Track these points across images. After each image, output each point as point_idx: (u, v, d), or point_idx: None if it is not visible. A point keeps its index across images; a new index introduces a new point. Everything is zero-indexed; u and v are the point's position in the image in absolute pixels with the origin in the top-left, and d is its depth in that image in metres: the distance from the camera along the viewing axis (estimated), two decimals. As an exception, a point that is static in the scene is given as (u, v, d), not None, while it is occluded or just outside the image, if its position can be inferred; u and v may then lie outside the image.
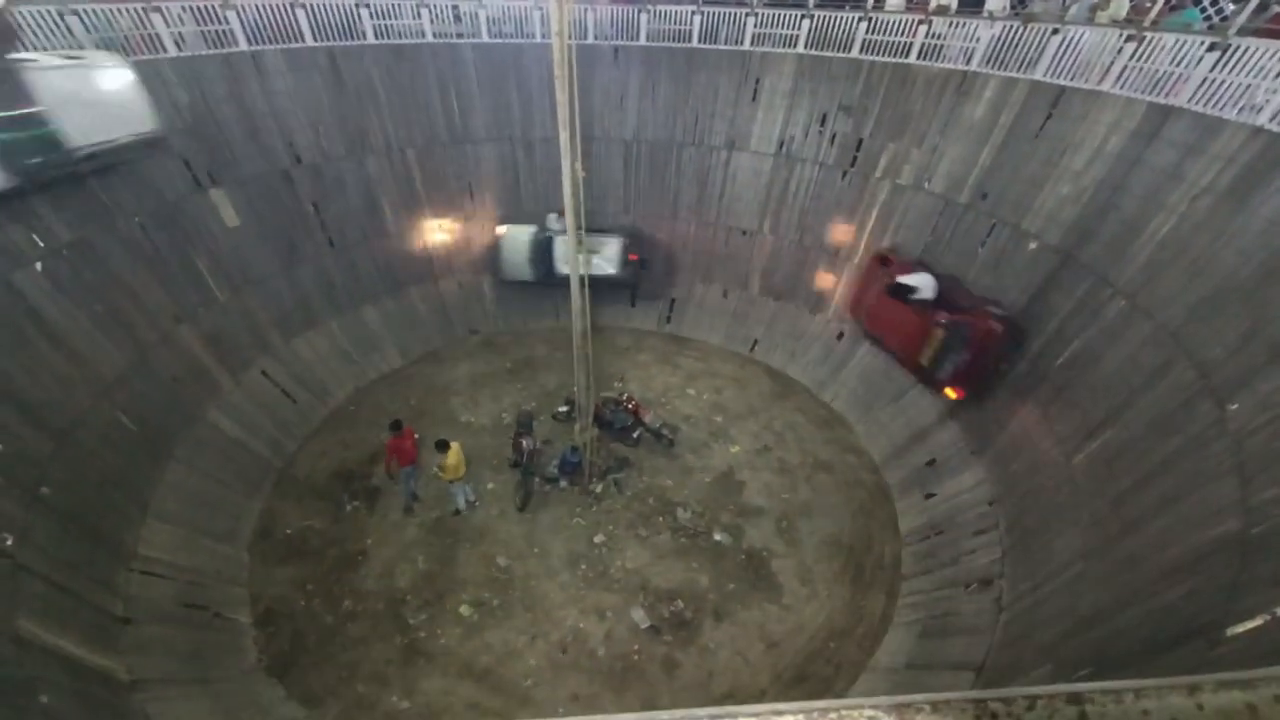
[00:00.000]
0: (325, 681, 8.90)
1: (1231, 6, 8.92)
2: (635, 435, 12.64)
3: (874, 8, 12.41)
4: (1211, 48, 8.45)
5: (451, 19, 13.49)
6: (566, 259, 14.71)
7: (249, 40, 11.30)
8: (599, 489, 11.78)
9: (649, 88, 14.57)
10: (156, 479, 9.73)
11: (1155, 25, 9.41)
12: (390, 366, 14.62)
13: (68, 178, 8.82)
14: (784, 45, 13.29)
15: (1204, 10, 9.29)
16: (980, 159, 11.65)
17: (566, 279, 14.88)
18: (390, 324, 14.90)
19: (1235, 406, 7.02)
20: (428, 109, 14.12)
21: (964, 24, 11.41)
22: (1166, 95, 9.02)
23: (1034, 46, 10.59)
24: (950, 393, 11.37)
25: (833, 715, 0.93)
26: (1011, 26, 10.79)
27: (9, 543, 7.10)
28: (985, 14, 11.30)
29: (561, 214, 14.81)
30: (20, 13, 8.72)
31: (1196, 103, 8.58)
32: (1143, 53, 9.27)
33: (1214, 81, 8.39)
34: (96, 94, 8.64)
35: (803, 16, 12.81)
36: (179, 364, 10.72)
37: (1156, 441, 7.81)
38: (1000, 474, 10.46)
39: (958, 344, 10.76)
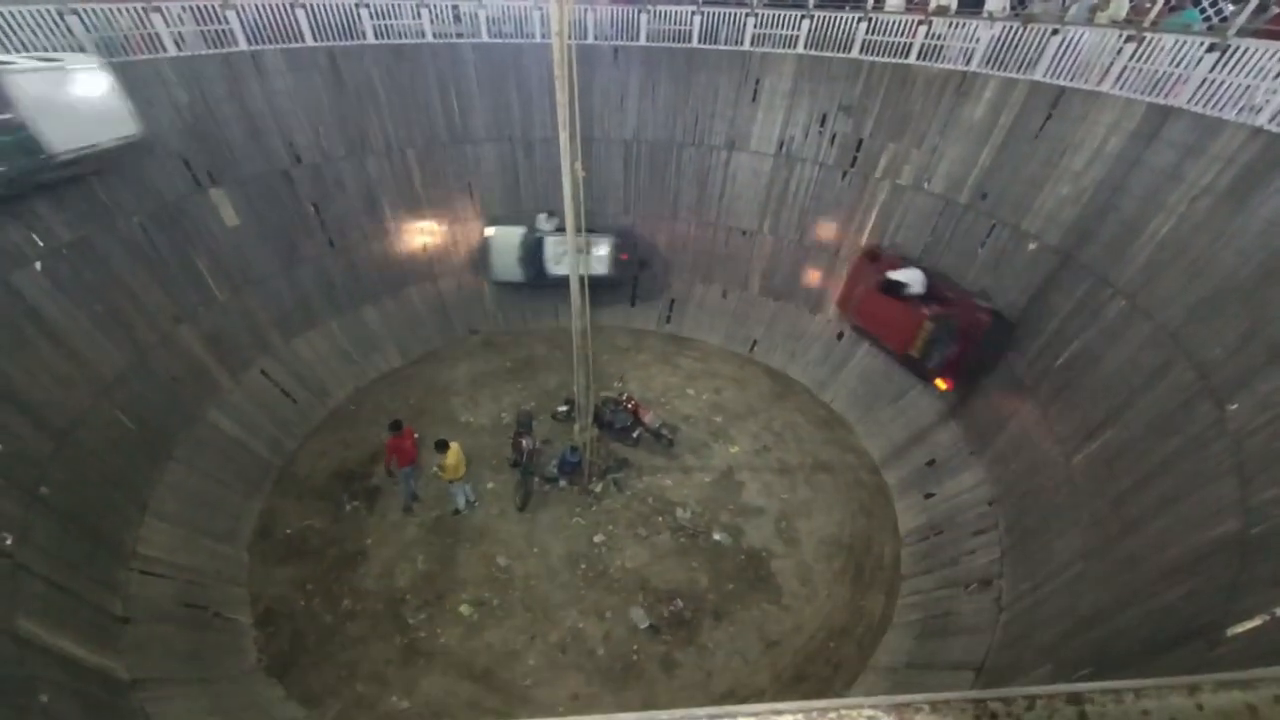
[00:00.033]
0: (325, 681, 8.90)
1: (1231, 7, 8.93)
2: (635, 435, 12.64)
3: (874, 8, 12.41)
4: (1211, 48, 8.45)
5: (451, 19, 13.49)
6: (557, 259, 14.77)
7: (249, 40, 11.30)
8: (599, 489, 11.78)
9: (649, 88, 14.57)
10: (156, 479, 9.73)
11: (1155, 26, 9.41)
12: (390, 366, 14.62)
13: (48, 185, 8.68)
14: (784, 45, 13.29)
15: (1203, 11, 9.29)
16: (980, 159, 11.66)
17: (558, 279, 15.05)
18: (390, 324, 14.90)
19: (1235, 407, 7.02)
20: (428, 109, 14.12)
21: (964, 24, 11.41)
22: (1166, 96, 9.02)
23: (1034, 47, 10.60)
24: (940, 383, 11.68)
25: (832, 715, 0.93)
26: (1011, 27, 10.79)
27: (9, 542, 7.10)
28: (985, 15, 11.30)
29: (552, 214, 14.96)
30: (20, 12, 8.71)
31: (1196, 103, 8.58)
32: (1142, 53, 9.28)
33: (1213, 82, 8.40)
34: (75, 97, 8.50)
35: (803, 17, 12.81)
36: (179, 364, 10.72)
37: (1156, 442, 7.81)
38: (1000, 474, 10.46)
39: (946, 336, 10.99)
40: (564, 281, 15.01)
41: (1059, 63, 10.32)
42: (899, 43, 12.18)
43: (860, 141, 13.38)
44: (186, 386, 10.77)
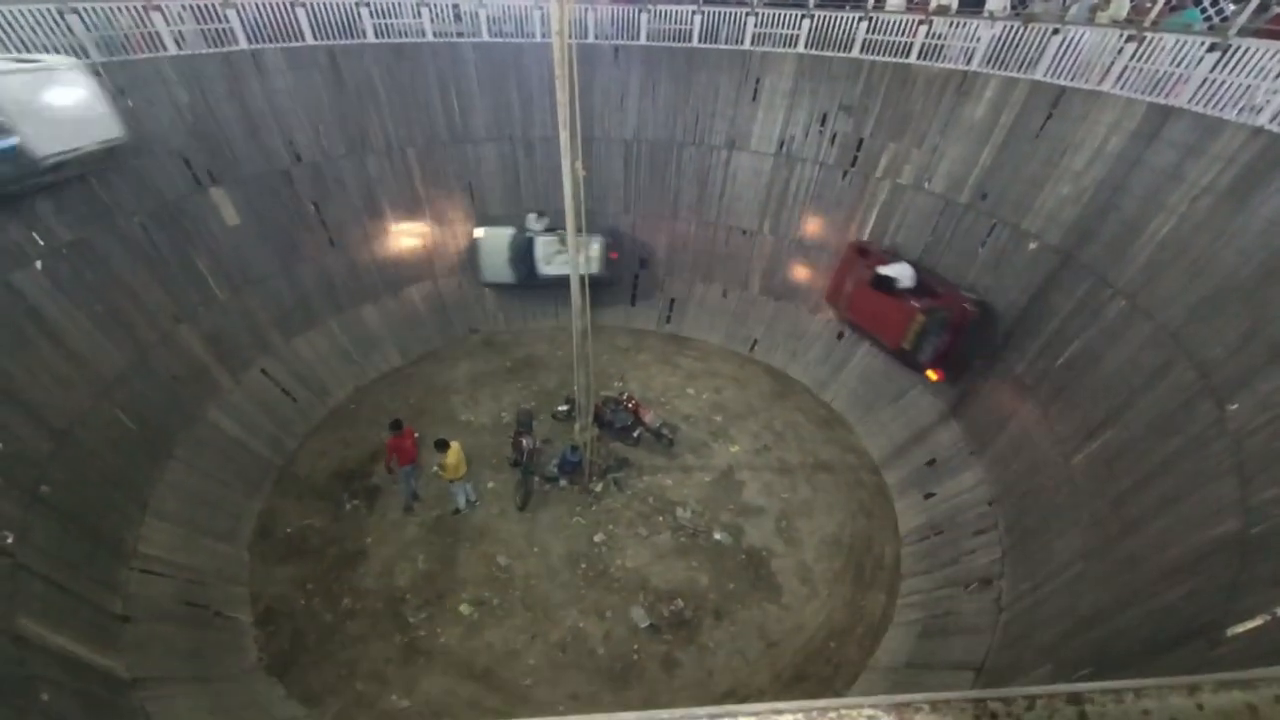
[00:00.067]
0: (325, 680, 8.90)
1: (1232, 7, 8.92)
2: (635, 435, 12.64)
3: (874, 8, 12.41)
4: (1212, 48, 8.45)
5: (452, 18, 13.49)
6: (548, 259, 14.75)
7: (249, 39, 11.30)
8: (599, 488, 11.78)
9: (649, 87, 14.57)
10: (156, 478, 9.74)
11: (1155, 25, 9.41)
12: (390, 365, 14.62)
13: (32, 191, 8.46)
14: (784, 45, 13.29)
15: (1204, 11, 9.29)
16: (980, 159, 11.66)
17: (549, 280, 15.05)
18: (390, 323, 14.90)
19: (1235, 406, 7.02)
20: (428, 108, 14.12)
21: (964, 24, 11.41)
22: (1167, 96, 9.02)
23: (1034, 47, 10.60)
24: (931, 374, 11.92)
25: (832, 714, 0.93)
26: (1012, 27, 10.79)
27: (9, 541, 7.10)
28: (985, 14, 11.30)
29: (541, 214, 14.95)
30: (20, 11, 8.71)
31: (1197, 103, 8.58)
32: (1143, 53, 9.27)
33: (1214, 82, 8.40)
34: (57, 99, 8.26)
35: (803, 16, 12.81)
36: (179, 363, 10.72)
37: (1156, 442, 7.81)
38: (1000, 474, 10.47)
39: (937, 328, 11.28)
40: (555, 282, 15.15)
41: (1060, 62, 10.32)
42: (899, 42, 12.18)
43: (861, 141, 13.38)
44: (187, 386, 10.77)
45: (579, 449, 11.29)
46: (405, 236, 14.99)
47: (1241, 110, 8.07)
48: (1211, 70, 8.43)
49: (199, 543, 9.82)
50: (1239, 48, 8.17)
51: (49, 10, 9.00)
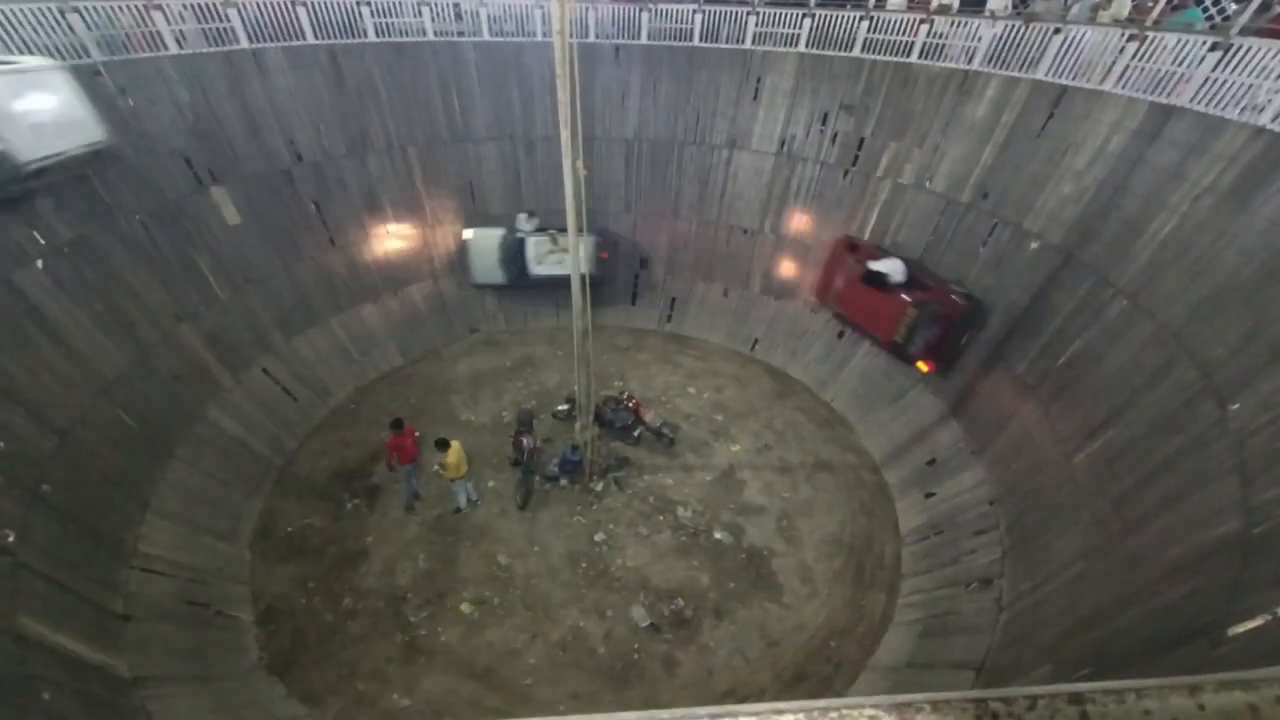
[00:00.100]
0: (326, 679, 8.91)
1: (1233, 6, 8.90)
2: (636, 434, 12.64)
3: (875, 7, 12.40)
4: (1213, 47, 8.44)
5: (453, 17, 13.49)
6: (540, 259, 14.74)
7: (250, 38, 11.30)
8: (599, 487, 11.79)
9: (650, 86, 14.56)
10: (157, 477, 9.74)
11: (1157, 25, 9.40)
12: (391, 365, 14.62)
13: (15, 197, 8.24)
14: (785, 44, 13.28)
15: (1206, 10, 9.27)
16: (982, 158, 11.64)
17: (540, 280, 15.04)
18: (391, 322, 14.90)
19: (1237, 406, 7.01)
20: (429, 107, 14.11)
21: (966, 23, 11.40)
22: (1168, 95, 9.01)
23: (1036, 46, 10.58)
24: (922, 366, 12.22)
25: (833, 714, 0.93)
26: (1013, 26, 10.77)
27: (10, 540, 7.11)
28: (987, 13, 11.29)
29: (532, 214, 14.94)
30: (21, 10, 8.71)
31: (1198, 103, 8.57)
32: (1145, 52, 9.26)
33: (1216, 81, 8.39)
34: (37, 103, 8.01)
35: (804, 15, 12.80)
36: (180, 362, 10.73)
37: (1158, 441, 7.81)
38: (1001, 474, 10.46)
39: (928, 321, 11.59)
40: (546, 282, 15.15)
41: (1061, 62, 10.31)
42: (901, 41, 12.16)
43: (862, 140, 13.37)
44: (187, 385, 10.78)
45: (579, 448, 11.29)
46: (406, 236, 14.98)
47: (1243, 110, 8.06)
48: (1213, 70, 8.42)
49: (200, 542, 9.82)
50: (1241, 47, 8.16)
51: (50, 9, 9.00)
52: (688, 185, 15.61)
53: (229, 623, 9.32)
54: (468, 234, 14.91)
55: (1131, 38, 9.39)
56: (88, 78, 9.12)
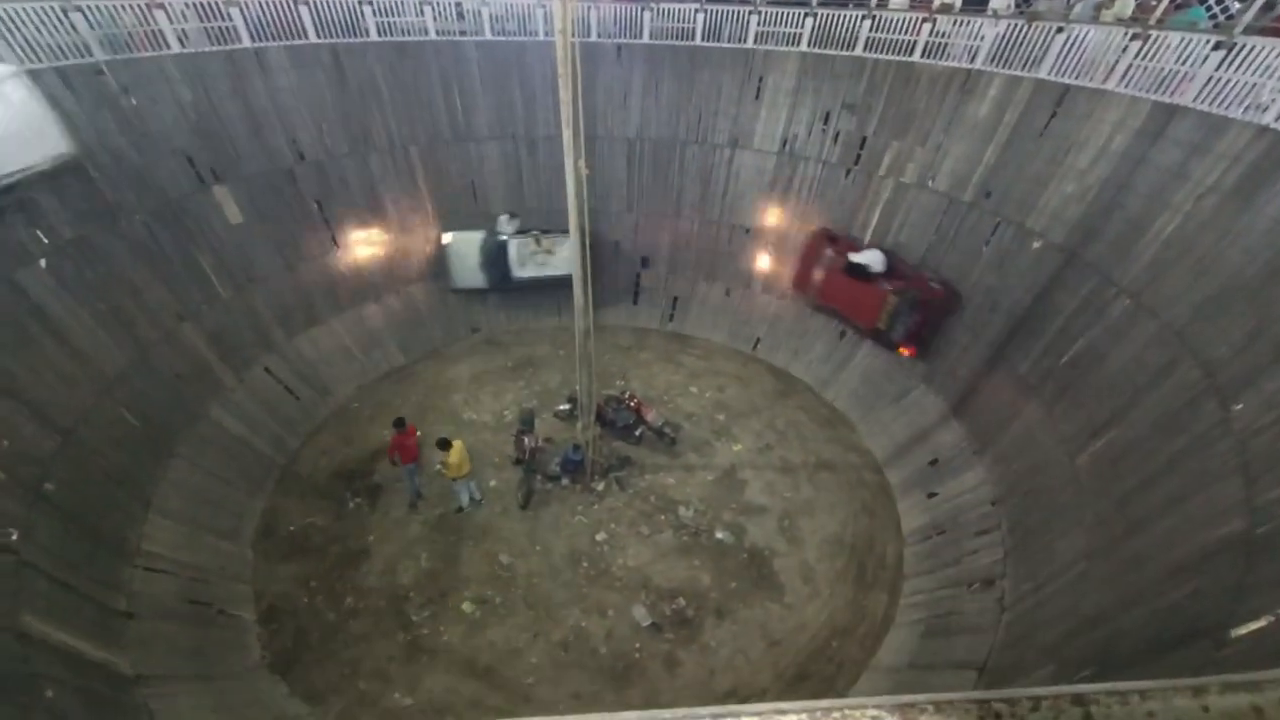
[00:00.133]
0: (328, 678, 8.92)
1: (1237, 5, 8.87)
2: (637, 433, 12.63)
3: (877, 6, 12.37)
4: (1217, 46, 8.41)
5: (455, 16, 13.49)
6: (523, 261, 14.71)
7: (252, 37, 11.31)
8: (601, 487, 11.79)
9: (652, 86, 14.55)
10: (159, 476, 9.77)
11: (1160, 24, 9.36)
12: (392, 364, 14.63)
13: None
14: (787, 43, 13.26)
15: (1209, 9, 9.23)
16: (985, 157, 11.62)
17: (523, 282, 15.01)
18: (393, 321, 14.91)
19: (1240, 406, 6.99)
20: (431, 106, 14.12)
21: (968, 22, 11.37)
22: (1172, 94, 8.98)
23: (1038, 45, 10.55)
24: (903, 351, 12.81)
25: (836, 714, 0.92)
26: (1016, 25, 10.74)
27: (13, 538, 7.13)
28: (989, 12, 11.26)
29: (513, 215, 14.94)
30: (23, 10, 8.72)
31: (1202, 101, 8.54)
32: (1148, 51, 9.23)
33: (1219, 80, 8.36)
34: None
35: (806, 14, 12.78)
36: (182, 361, 10.75)
37: (1161, 441, 7.79)
38: (1003, 474, 10.44)
39: (908, 308, 12.17)
40: (530, 285, 15.12)
41: (1064, 60, 10.28)
42: (903, 40, 12.14)
43: (864, 139, 13.35)
44: (190, 384, 10.80)
45: (581, 448, 11.29)
46: (408, 235, 14.99)
47: (1247, 109, 8.03)
48: (1217, 69, 8.39)
49: (202, 541, 9.84)
50: (1244, 46, 8.13)
51: (53, 8, 9.01)
52: (690, 184, 15.60)
53: (231, 621, 9.33)
54: (447, 238, 14.78)
55: (1135, 36, 9.36)
56: (51, 84, 8.99)
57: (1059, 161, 10.41)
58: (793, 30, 13.07)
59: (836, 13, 12.54)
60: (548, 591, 10.10)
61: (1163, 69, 9.05)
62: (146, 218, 10.36)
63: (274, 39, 11.60)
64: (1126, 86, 9.51)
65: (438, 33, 13.38)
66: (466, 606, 9.82)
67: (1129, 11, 10.13)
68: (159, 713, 7.45)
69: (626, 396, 12.96)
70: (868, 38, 12.44)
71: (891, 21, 12.14)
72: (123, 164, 9.98)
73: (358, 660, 9.12)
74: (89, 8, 9.42)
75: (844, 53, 12.79)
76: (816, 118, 13.71)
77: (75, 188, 9.20)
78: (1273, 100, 7.74)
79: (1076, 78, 10.17)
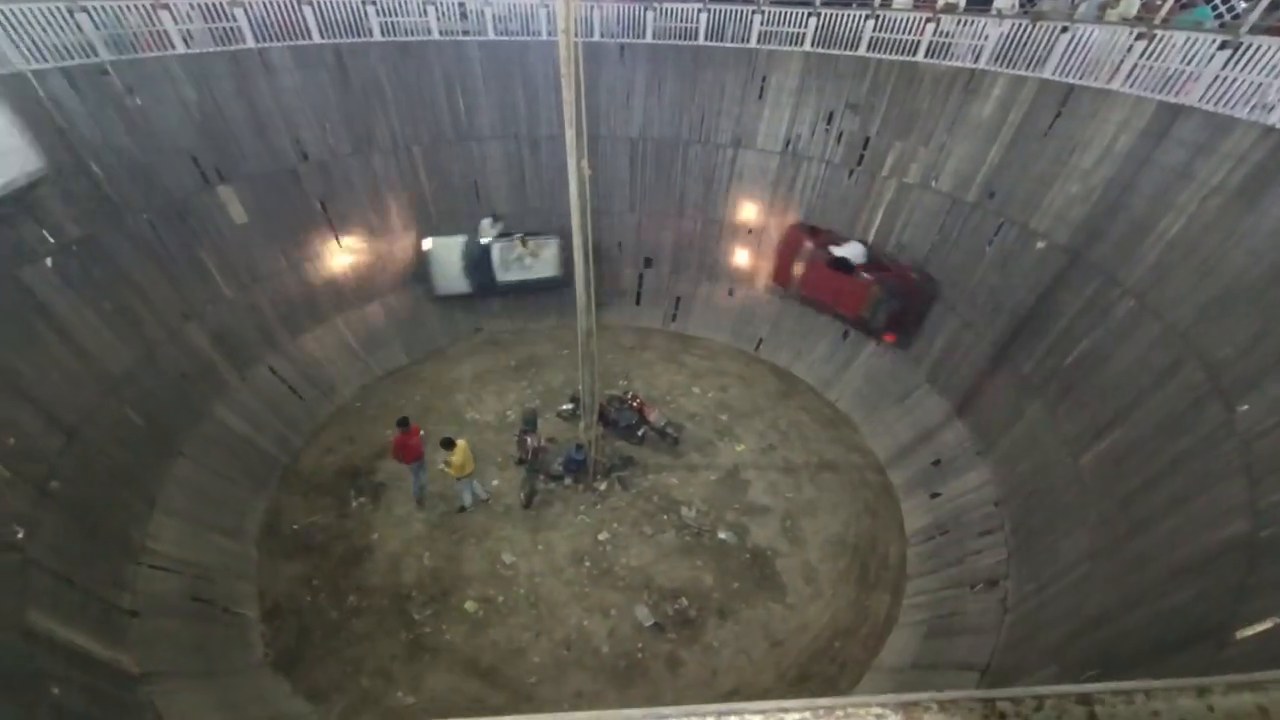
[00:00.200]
0: (331, 676, 8.94)
1: (1243, 4, 8.84)
2: (640, 433, 12.63)
3: (881, 6, 12.36)
4: (1223, 46, 8.38)
5: (458, 16, 13.50)
6: (507, 265, 14.68)
7: (256, 37, 11.34)
8: (604, 487, 11.79)
9: (655, 85, 14.55)
10: (164, 474, 9.80)
11: (1166, 23, 9.33)
12: (396, 364, 14.65)
13: None
14: (791, 43, 13.25)
15: (1215, 8, 9.20)
16: (988, 157, 11.60)
17: (508, 286, 15.01)
18: (396, 321, 14.94)
19: (1245, 408, 6.96)
20: (434, 106, 14.14)
21: (972, 22, 11.34)
22: (1177, 94, 8.95)
23: (1043, 44, 10.53)
24: (886, 337, 13.41)
25: (839, 712, 0.93)
26: (1020, 24, 10.72)
27: (19, 536, 7.16)
28: (994, 12, 11.24)
29: (496, 218, 14.91)
30: (30, 10, 8.75)
31: (1207, 101, 8.51)
32: (1153, 51, 9.20)
33: (1225, 80, 8.33)
34: None
35: (809, 14, 12.77)
36: (187, 360, 10.79)
37: (1165, 442, 7.76)
38: (1006, 474, 10.42)
39: (889, 296, 12.69)
40: (515, 288, 15.12)
41: (1068, 60, 10.25)
42: (907, 40, 12.12)
43: (867, 139, 13.33)
44: (194, 383, 10.84)
45: (584, 447, 11.30)
46: (411, 234, 15.01)
47: (1253, 109, 8.00)
48: (1222, 68, 8.36)
49: (206, 539, 9.88)
50: (1250, 45, 8.10)
51: (59, 9, 9.05)
52: (692, 184, 15.60)
53: (235, 619, 9.36)
54: (427, 244, 14.60)
55: (1140, 36, 9.33)
56: (57, 84, 9.01)
57: (1063, 162, 10.38)
58: (796, 30, 13.06)
59: (840, 12, 12.52)
60: (550, 591, 10.12)
61: (1168, 69, 9.02)
62: (152, 217, 10.40)
63: (278, 39, 11.62)
64: (1131, 86, 9.48)
65: (441, 32, 13.40)
66: (469, 605, 9.83)
67: (1134, 11, 10.10)
68: (163, 710, 7.48)
69: (629, 396, 12.96)
70: (871, 37, 12.42)
71: (895, 21, 12.12)
72: (128, 164, 10.01)
73: (360, 658, 9.15)
74: (95, 8, 9.45)
75: (847, 52, 12.78)
76: (820, 118, 13.70)
77: (81, 187, 9.23)
78: (1279, 100, 7.71)
79: (1081, 77, 10.14)
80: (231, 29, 11.05)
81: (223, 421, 11.12)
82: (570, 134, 7.29)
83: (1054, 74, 10.46)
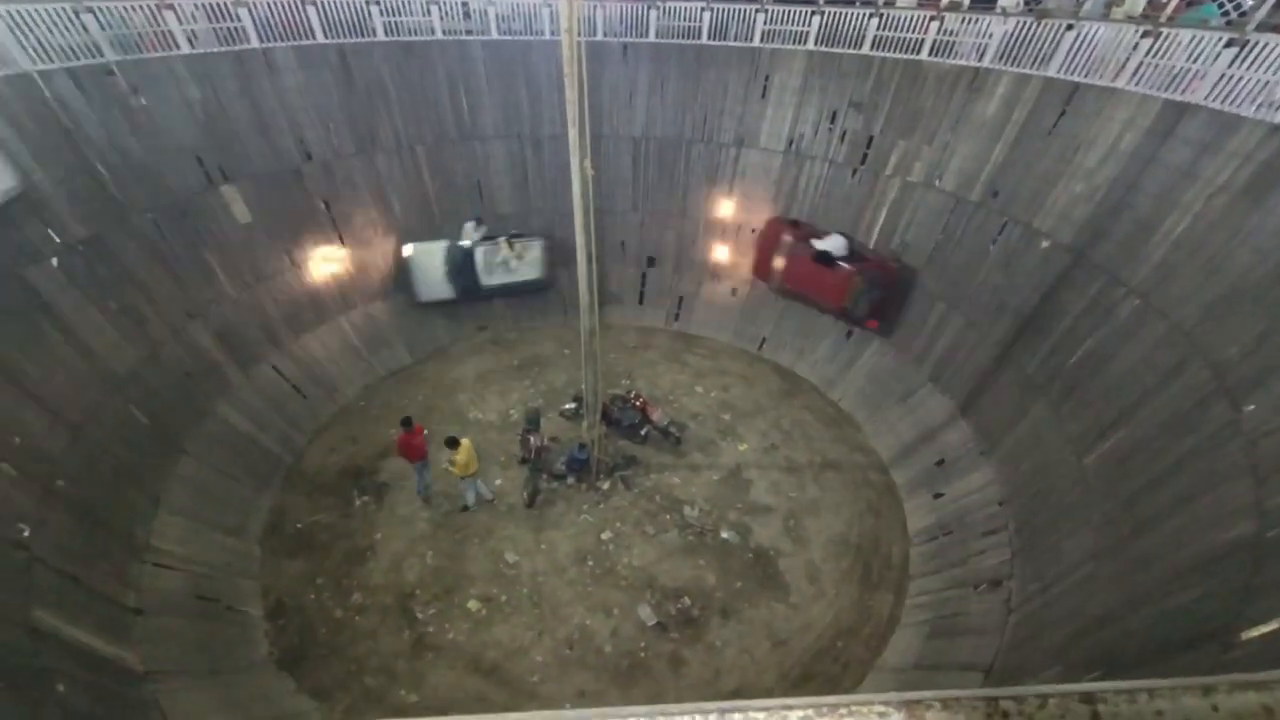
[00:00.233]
0: (334, 674, 8.97)
1: (1249, 2, 8.78)
2: (643, 433, 12.63)
3: (885, 4, 12.31)
4: (1229, 44, 8.33)
5: (461, 16, 13.50)
6: (491, 269, 14.59)
7: (260, 37, 11.36)
8: (606, 486, 11.80)
9: (658, 84, 14.54)
10: (168, 473, 9.84)
11: (1171, 21, 9.28)
12: (399, 363, 14.68)
13: None
14: (794, 42, 13.22)
15: (1221, 6, 9.15)
16: (992, 156, 11.56)
17: (492, 290, 14.97)
18: (399, 321, 14.96)
19: (1251, 407, 6.93)
20: (437, 106, 14.15)
21: (976, 20, 11.30)
22: (1182, 92, 8.90)
23: (1047, 43, 10.48)
24: (869, 325, 13.80)
25: (842, 710, 0.93)
26: (1025, 22, 10.67)
27: (25, 534, 7.20)
28: (998, 10, 11.19)
29: (479, 222, 14.87)
30: (36, 11, 8.79)
31: (1213, 100, 8.46)
32: (1158, 49, 9.15)
33: (1231, 78, 8.28)
34: None
35: (813, 13, 12.74)
36: (190, 359, 10.83)
37: (1170, 442, 7.73)
38: (1010, 474, 10.39)
39: (871, 286, 13.13)
40: (499, 292, 15.07)
41: (1073, 58, 10.20)
42: (910, 39, 12.08)
43: (870, 138, 13.30)
44: (198, 382, 10.88)
45: (586, 447, 11.30)
46: (414, 234, 15.00)
47: (1259, 107, 7.95)
48: (1229, 66, 8.31)
49: (210, 537, 9.91)
50: (1257, 43, 8.05)
51: (65, 10, 9.08)
52: (695, 183, 15.59)
53: (238, 617, 9.40)
54: (408, 250, 14.30)
55: (1145, 34, 9.28)
56: (62, 84, 9.06)
57: (1067, 160, 10.34)
58: (799, 29, 13.03)
59: (843, 11, 12.49)
60: (553, 590, 10.12)
61: (1173, 67, 8.96)
62: (156, 216, 10.44)
63: (282, 39, 11.64)
64: (1136, 84, 9.43)
65: (444, 32, 13.40)
66: (472, 604, 9.85)
67: (1140, 9, 10.04)
68: (167, 707, 7.51)
69: (632, 396, 12.97)
70: (875, 36, 12.39)
71: (899, 19, 12.08)
72: (133, 163, 10.05)
73: (364, 657, 9.17)
74: (100, 9, 9.49)
75: (851, 51, 12.74)
76: (823, 116, 13.68)
77: (86, 187, 9.27)
78: (1285, 98, 7.67)
79: (1086, 76, 10.09)
80: (236, 29, 11.08)
81: (226, 420, 11.16)
82: (573, 133, 7.29)
83: (1058, 72, 10.41)
